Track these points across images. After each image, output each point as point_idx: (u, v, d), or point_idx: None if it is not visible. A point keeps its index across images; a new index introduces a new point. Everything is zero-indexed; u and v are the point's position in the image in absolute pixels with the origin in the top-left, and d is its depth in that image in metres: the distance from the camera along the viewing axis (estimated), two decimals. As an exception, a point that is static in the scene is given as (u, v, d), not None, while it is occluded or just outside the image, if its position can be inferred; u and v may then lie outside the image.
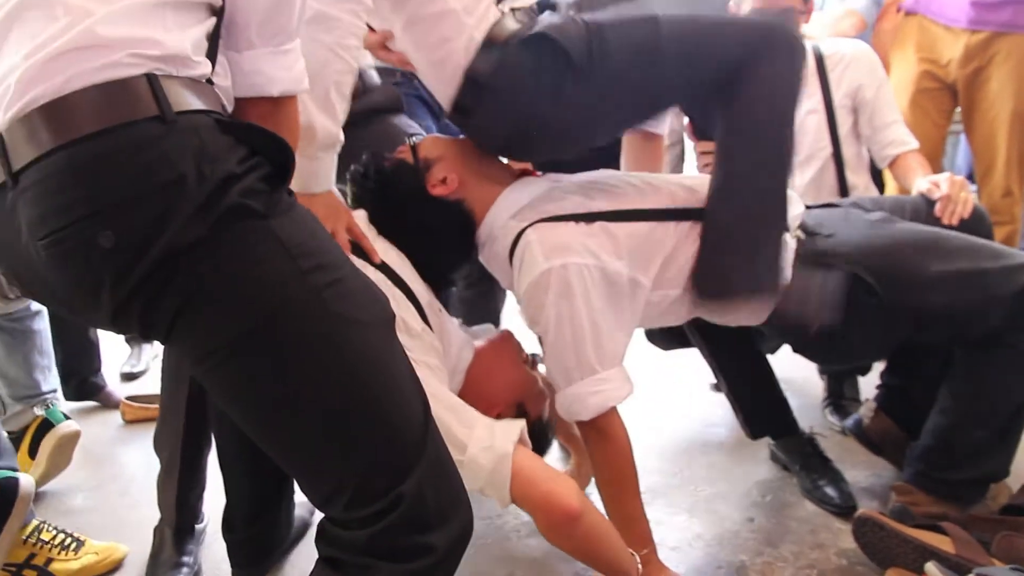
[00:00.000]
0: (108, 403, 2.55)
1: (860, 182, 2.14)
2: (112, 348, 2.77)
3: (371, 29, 1.48)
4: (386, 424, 0.92)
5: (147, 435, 2.30)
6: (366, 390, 0.91)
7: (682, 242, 1.48)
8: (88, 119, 0.78)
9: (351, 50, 1.28)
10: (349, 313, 0.90)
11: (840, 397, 2.23)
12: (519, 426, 1.27)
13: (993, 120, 2.43)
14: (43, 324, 2.06)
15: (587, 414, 1.41)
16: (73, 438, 2.00)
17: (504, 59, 1.37)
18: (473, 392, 1.44)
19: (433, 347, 1.35)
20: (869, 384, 2.13)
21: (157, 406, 2.37)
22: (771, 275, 1.49)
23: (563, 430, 1.79)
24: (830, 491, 1.79)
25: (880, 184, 2.32)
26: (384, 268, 1.35)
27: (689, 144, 3.31)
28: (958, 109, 2.54)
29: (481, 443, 1.21)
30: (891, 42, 2.68)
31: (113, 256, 0.80)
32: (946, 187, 1.75)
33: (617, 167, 1.91)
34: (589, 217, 1.43)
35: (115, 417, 2.49)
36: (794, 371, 2.19)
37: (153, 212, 0.80)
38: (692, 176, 1.72)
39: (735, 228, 1.47)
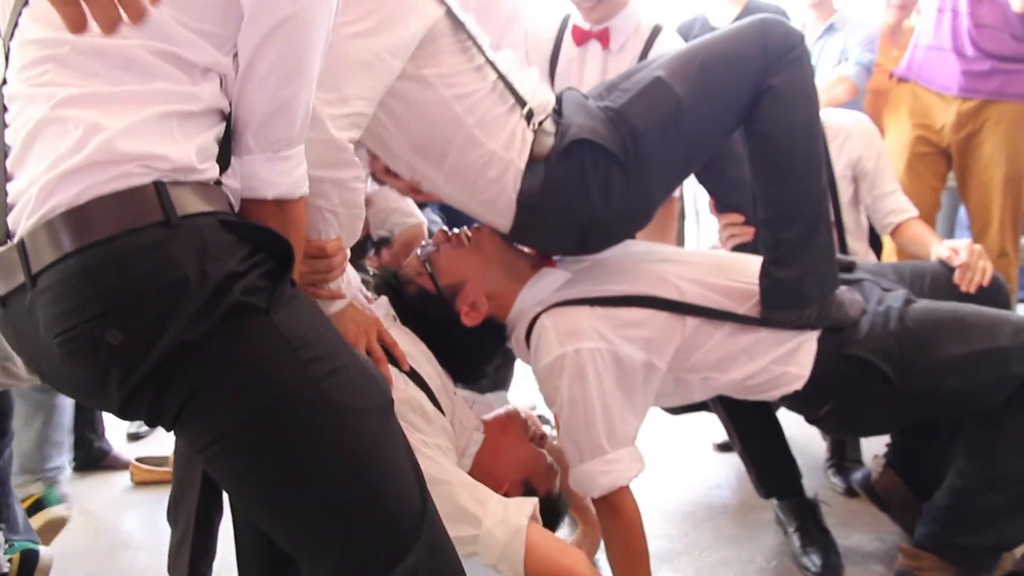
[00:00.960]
0: (115, 465, 2.56)
1: (860, 248, 2.20)
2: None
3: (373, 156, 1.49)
4: (383, 509, 0.95)
5: (154, 497, 2.33)
6: (364, 477, 0.94)
7: (695, 335, 1.51)
8: (100, 226, 0.84)
9: (359, 197, 1.30)
10: (347, 402, 0.93)
11: (843, 459, 2.25)
12: (532, 502, 1.30)
13: (987, 183, 2.50)
14: (66, 400, 2.08)
15: (598, 492, 1.45)
16: (61, 523, 2.00)
17: (550, 175, 1.41)
18: (480, 471, 1.47)
19: (444, 429, 1.39)
20: (874, 444, 2.15)
21: (166, 468, 2.42)
22: (834, 272, 1.53)
23: (574, 500, 1.81)
24: (815, 558, 1.80)
25: (878, 249, 2.38)
26: (393, 360, 1.38)
27: (688, 202, 3.40)
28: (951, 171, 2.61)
29: (496, 517, 1.24)
30: (883, 106, 2.76)
31: (120, 353, 0.85)
32: (965, 255, 1.78)
33: None
34: (602, 301, 1.47)
35: (122, 478, 2.50)
36: (797, 431, 2.21)
37: (158, 311, 0.85)
38: (704, 256, 1.72)
39: (793, 240, 1.49)
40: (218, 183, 0.94)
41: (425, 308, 1.52)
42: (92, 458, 2.54)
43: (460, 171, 1.42)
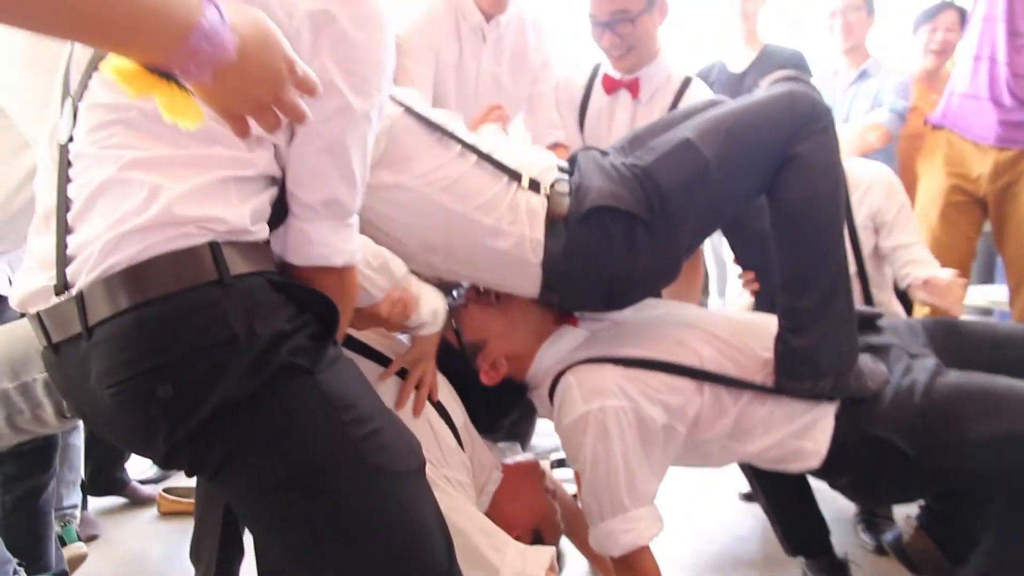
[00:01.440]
0: (135, 498, 2.59)
1: (885, 298, 2.17)
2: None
3: None
4: (412, 569, 0.98)
5: (182, 527, 2.35)
6: (395, 539, 0.97)
7: (713, 403, 1.50)
8: (157, 284, 0.87)
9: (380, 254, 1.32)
10: (383, 464, 0.96)
11: (873, 514, 2.20)
12: (549, 552, 1.30)
13: (1024, 235, 2.45)
14: (79, 440, 2.12)
15: (618, 551, 1.44)
16: (80, 559, 2.03)
17: (572, 239, 1.43)
18: (496, 512, 1.48)
19: (464, 464, 1.41)
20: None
21: (193, 500, 2.45)
22: (853, 345, 1.51)
23: (593, 554, 1.80)
24: None
25: (906, 299, 2.34)
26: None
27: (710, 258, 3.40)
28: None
29: (513, 567, 1.25)
30: (918, 151, 2.73)
31: (171, 406, 0.88)
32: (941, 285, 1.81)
33: None
34: (626, 362, 1.47)
35: (149, 509, 2.53)
36: (824, 485, 2.17)
37: (209, 368, 0.88)
38: (725, 320, 1.70)
39: (809, 309, 1.48)
40: (267, 242, 0.97)
41: (446, 360, 1.53)
42: (108, 487, 2.57)
43: (474, 257, 1.45)
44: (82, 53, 0.97)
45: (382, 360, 1.43)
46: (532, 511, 1.54)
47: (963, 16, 2.86)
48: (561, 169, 1.54)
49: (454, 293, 1.64)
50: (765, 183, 1.49)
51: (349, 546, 0.95)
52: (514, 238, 1.43)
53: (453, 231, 1.42)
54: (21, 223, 1.56)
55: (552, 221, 1.43)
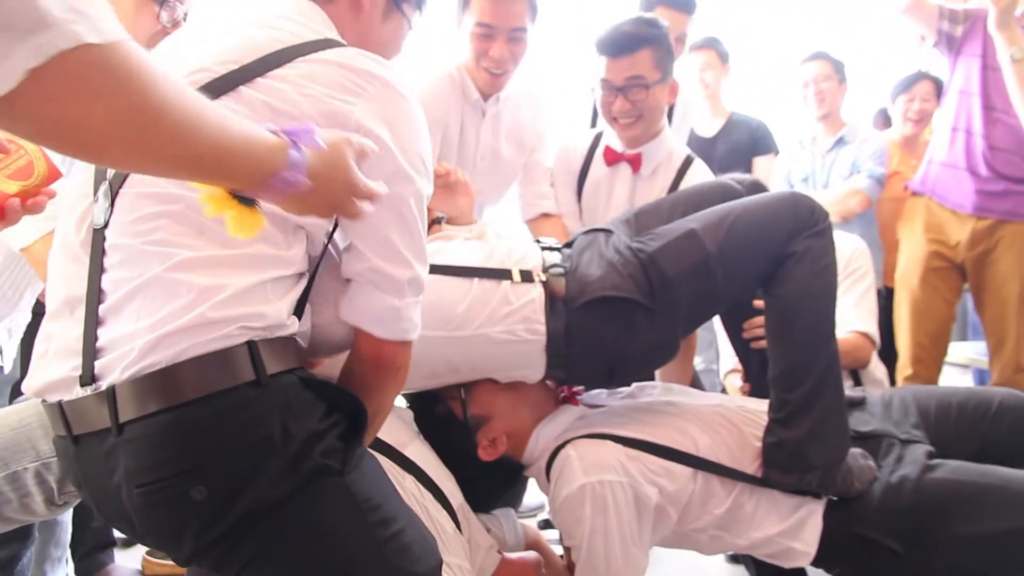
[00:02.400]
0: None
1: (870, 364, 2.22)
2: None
3: None
4: None
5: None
6: None
7: (705, 490, 1.52)
8: (195, 386, 0.87)
9: None
10: (406, 566, 0.98)
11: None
12: None
13: (1003, 300, 2.52)
14: (67, 516, 2.09)
15: None
16: None
17: (572, 324, 1.47)
18: None
19: (464, 549, 1.41)
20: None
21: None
22: (843, 441, 1.53)
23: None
24: None
25: (891, 361, 2.39)
26: (420, 475, 1.40)
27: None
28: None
29: None
30: (897, 214, 2.81)
31: (204, 508, 0.88)
32: None
33: None
34: (626, 441, 1.50)
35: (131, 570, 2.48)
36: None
37: (243, 469, 0.88)
38: (723, 408, 1.71)
39: (798, 403, 1.52)
40: (294, 336, 0.99)
41: (448, 430, 1.55)
42: (87, 568, 2.51)
43: (478, 364, 1.50)
44: None
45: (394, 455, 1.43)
46: None
47: (938, 86, 2.97)
48: (546, 246, 1.59)
49: None
50: (763, 277, 1.55)
51: None
52: (513, 336, 1.47)
53: (456, 352, 1.47)
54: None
55: (552, 302, 1.47)
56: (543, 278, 1.51)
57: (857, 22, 4.75)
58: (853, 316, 2.15)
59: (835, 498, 1.52)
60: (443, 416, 1.57)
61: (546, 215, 2.17)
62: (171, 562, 2.37)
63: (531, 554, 1.65)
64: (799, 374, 1.52)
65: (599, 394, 1.71)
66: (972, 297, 2.64)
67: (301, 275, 1.01)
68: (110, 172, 0.96)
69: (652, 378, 1.89)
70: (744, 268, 1.53)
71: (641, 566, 1.48)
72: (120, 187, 0.94)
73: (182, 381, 0.87)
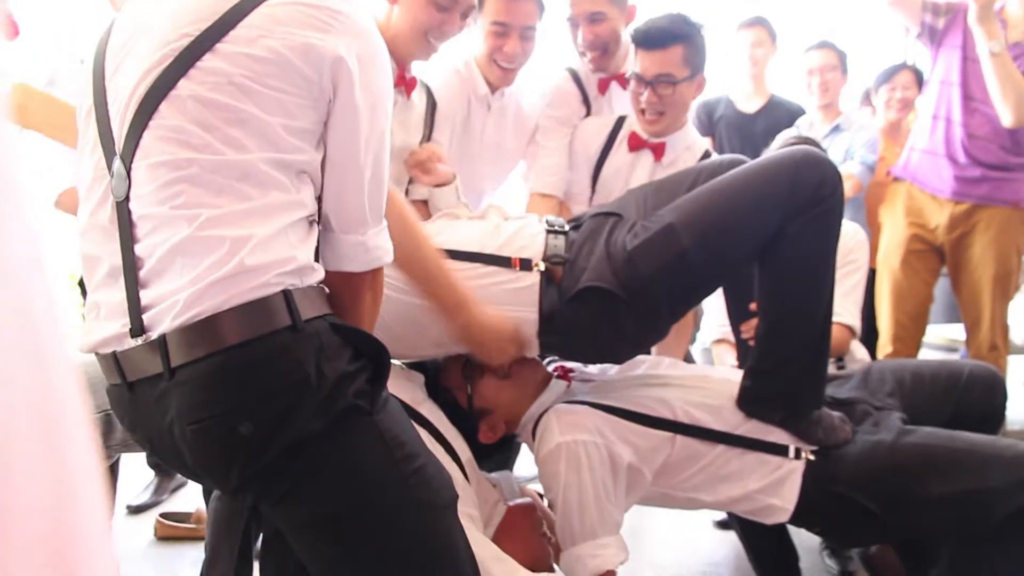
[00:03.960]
0: None
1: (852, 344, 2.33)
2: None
3: None
4: None
5: (177, 551, 2.42)
6: (436, 564, 1.10)
7: (683, 452, 1.61)
8: (238, 331, 0.97)
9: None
10: (428, 498, 1.09)
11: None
12: None
13: (978, 281, 2.64)
14: None
15: (587, 575, 1.56)
16: None
17: (563, 315, 1.55)
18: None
19: (472, 499, 1.52)
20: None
21: (189, 525, 2.51)
22: (815, 399, 1.63)
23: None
24: None
25: (871, 342, 2.51)
26: (432, 430, 1.52)
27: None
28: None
29: None
30: (881, 199, 2.93)
31: (250, 442, 0.98)
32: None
33: None
34: (604, 408, 1.61)
35: (144, 536, 2.59)
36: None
37: (284, 407, 0.98)
38: (704, 379, 1.79)
39: (778, 364, 1.61)
40: (320, 283, 1.08)
41: (450, 414, 1.65)
42: None
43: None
44: (120, 112, 1.04)
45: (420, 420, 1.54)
46: (528, 552, 1.63)
47: (918, 75, 3.08)
48: (553, 229, 1.65)
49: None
50: (750, 259, 1.58)
51: (395, 572, 1.07)
52: (512, 315, 1.56)
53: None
54: None
55: (546, 288, 1.55)
56: (541, 268, 1.57)
57: (848, 11, 4.84)
58: (839, 307, 2.25)
59: (812, 458, 1.60)
60: (447, 403, 1.67)
61: (543, 195, 2.27)
62: (184, 524, 2.51)
63: (526, 499, 1.77)
64: (781, 337, 1.60)
65: (590, 368, 1.81)
66: (950, 279, 2.76)
67: (312, 221, 1.09)
68: (119, 147, 1.03)
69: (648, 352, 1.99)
70: (729, 254, 1.56)
71: (614, 521, 1.58)
72: (132, 160, 1.01)
73: (226, 328, 0.96)
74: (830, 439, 1.61)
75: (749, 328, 1.89)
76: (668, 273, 1.53)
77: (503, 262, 1.59)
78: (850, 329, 2.30)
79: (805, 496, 1.60)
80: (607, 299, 1.53)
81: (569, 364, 1.83)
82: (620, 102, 2.31)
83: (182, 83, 1.00)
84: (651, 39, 2.04)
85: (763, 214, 1.51)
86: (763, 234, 1.52)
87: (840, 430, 1.62)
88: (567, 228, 1.69)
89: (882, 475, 1.56)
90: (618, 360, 1.72)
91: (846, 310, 2.28)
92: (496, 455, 1.87)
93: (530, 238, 1.64)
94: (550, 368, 1.82)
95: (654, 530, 2.45)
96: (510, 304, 1.57)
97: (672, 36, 2.03)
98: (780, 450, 1.62)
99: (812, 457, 1.61)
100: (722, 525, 2.56)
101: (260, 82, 1.00)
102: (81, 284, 1.61)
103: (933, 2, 2.63)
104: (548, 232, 1.65)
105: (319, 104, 1.04)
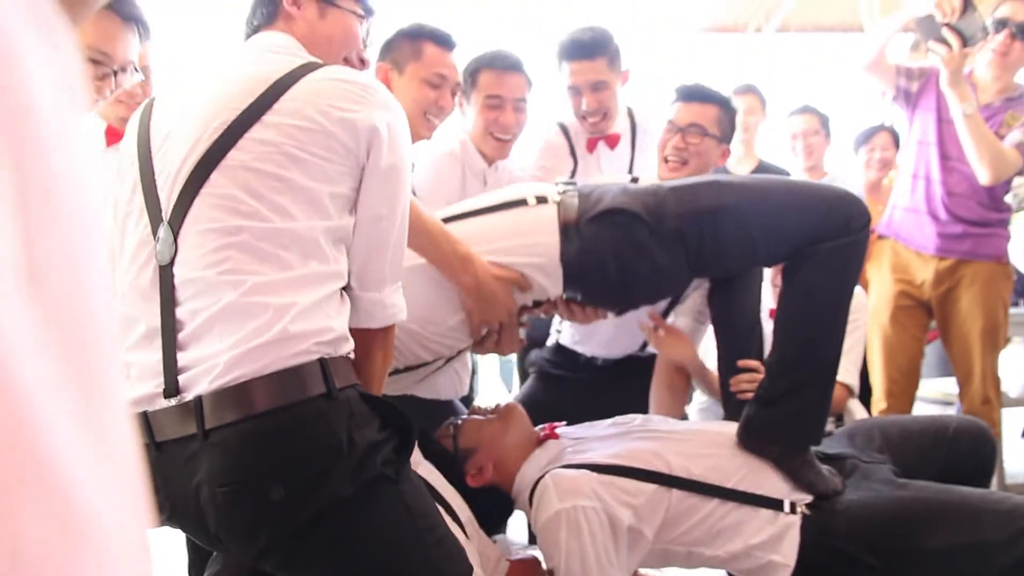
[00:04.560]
0: None
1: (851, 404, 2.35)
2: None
3: None
4: None
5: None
6: None
7: (680, 507, 1.61)
8: (275, 397, 1.00)
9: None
10: (447, 568, 1.11)
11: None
12: None
13: (967, 335, 2.67)
14: None
15: None
16: None
17: (583, 239, 1.59)
18: None
19: (476, 557, 1.51)
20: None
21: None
22: (814, 434, 1.67)
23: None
24: None
25: (866, 397, 2.52)
26: (432, 492, 1.52)
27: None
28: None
29: None
30: (866, 260, 2.98)
31: (279, 507, 0.99)
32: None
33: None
34: (600, 468, 1.61)
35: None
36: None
37: (316, 473, 1.00)
38: (699, 433, 1.81)
39: (784, 393, 1.63)
40: (349, 354, 1.12)
41: (441, 467, 1.65)
42: None
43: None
44: (169, 181, 1.09)
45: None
46: None
47: (895, 136, 3.18)
48: (563, 183, 1.72)
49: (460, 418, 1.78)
50: (770, 258, 1.65)
51: None
52: (536, 250, 1.60)
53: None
54: None
55: (565, 227, 1.59)
56: (557, 198, 1.62)
57: (827, 77, 5.01)
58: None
59: (808, 512, 1.61)
60: (437, 453, 1.68)
61: None
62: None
63: (529, 553, 1.76)
64: (791, 366, 1.63)
65: (577, 429, 1.81)
66: (940, 334, 2.80)
67: (344, 292, 1.15)
68: (166, 214, 1.08)
69: (665, 314, 2.03)
70: (759, 237, 1.59)
71: None
72: (180, 227, 1.06)
73: (264, 392, 0.99)
74: (819, 485, 1.63)
75: (738, 382, 1.92)
76: (697, 220, 1.57)
77: (518, 203, 1.64)
78: (848, 388, 2.33)
79: (804, 552, 1.59)
80: (627, 220, 1.57)
81: (556, 425, 1.83)
82: (607, 162, 2.39)
83: (232, 153, 1.06)
84: (692, 93, 2.15)
85: (799, 221, 1.60)
86: (793, 239, 1.59)
87: (830, 480, 1.64)
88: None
89: (879, 528, 1.56)
90: (635, 301, 1.73)
91: (844, 369, 2.29)
92: (493, 520, 1.86)
93: (541, 186, 1.71)
94: (537, 429, 1.82)
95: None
96: (528, 235, 1.60)
97: (711, 96, 2.16)
98: (775, 504, 1.62)
99: (807, 511, 1.61)
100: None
101: (306, 150, 1.07)
102: None
103: (907, 67, 2.73)
104: (558, 184, 1.73)
105: (355, 171, 1.12)
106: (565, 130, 2.40)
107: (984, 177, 2.52)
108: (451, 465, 1.66)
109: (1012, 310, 2.90)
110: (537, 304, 1.70)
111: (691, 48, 5.71)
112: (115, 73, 1.52)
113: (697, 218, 1.58)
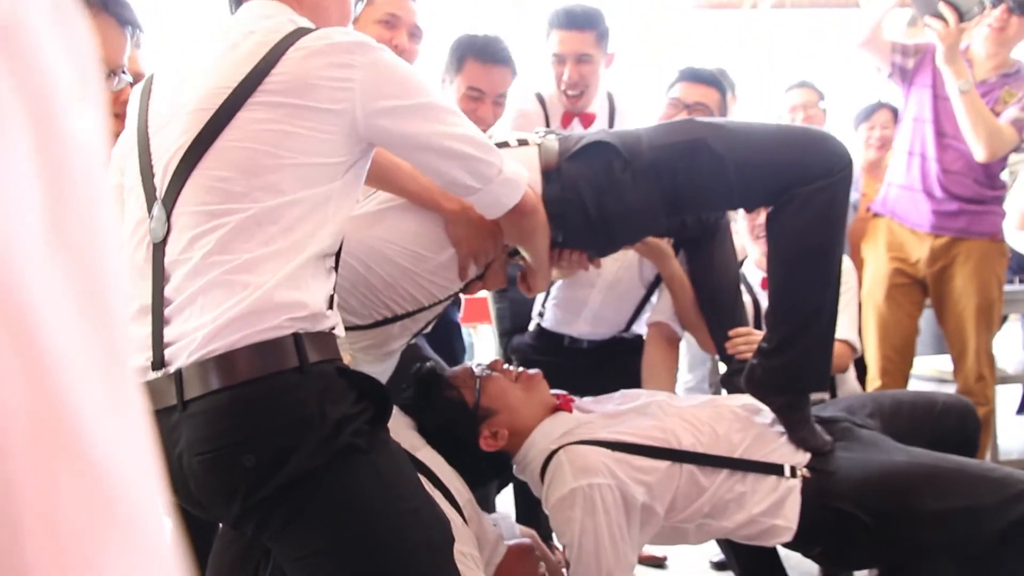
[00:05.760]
0: None
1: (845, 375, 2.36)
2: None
3: None
4: None
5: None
6: None
7: (691, 481, 1.62)
8: (249, 369, 1.02)
9: None
10: (422, 538, 1.12)
11: (836, 580, 2.34)
12: None
13: (961, 313, 2.68)
14: None
15: None
16: None
17: (561, 174, 1.57)
18: None
19: (473, 540, 1.52)
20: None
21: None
22: (817, 379, 1.68)
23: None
24: None
25: (861, 371, 2.53)
26: (430, 475, 1.53)
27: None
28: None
29: None
30: (860, 236, 2.98)
31: (252, 474, 1.03)
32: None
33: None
34: (613, 445, 1.61)
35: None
36: (790, 552, 2.30)
37: (286, 443, 1.03)
38: (701, 406, 1.81)
39: (783, 340, 1.64)
40: (332, 329, 1.13)
41: (453, 416, 1.64)
42: None
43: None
44: (163, 161, 1.12)
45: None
46: None
47: (895, 113, 3.15)
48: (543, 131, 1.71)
49: (478, 364, 1.77)
50: (747, 198, 1.65)
51: None
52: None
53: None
54: None
55: (547, 170, 1.56)
56: (539, 141, 1.61)
57: (823, 49, 4.98)
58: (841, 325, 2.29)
59: (807, 475, 1.63)
60: (452, 400, 1.66)
61: None
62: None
63: (525, 540, 1.76)
64: (785, 313, 1.64)
65: (587, 402, 1.81)
66: (935, 312, 2.80)
67: (331, 268, 1.16)
68: (160, 192, 1.11)
69: (650, 292, 2.05)
70: (736, 174, 1.56)
71: (629, 563, 1.58)
72: (173, 206, 1.09)
73: (238, 364, 1.02)
74: (811, 441, 1.65)
75: (735, 345, 1.94)
76: (672, 152, 1.56)
77: (500, 146, 1.57)
78: (848, 344, 2.31)
79: (805, 514, 1.61)
80: (602, 152, 1.56)
81: (571, 397, 1.82)
82: None
83: (225, 133, 1.08)
84: (699, 75, 2.18)
85: (776, 160, 1.58)
86: (770, 178, 1.58)
87: (820, 437, 1.67)
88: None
89: (876, 489, 1.59)
90: (613, 242, 1.71)
91: (842, 325, 2.30)
92: (485, 482, 1.85)
93: (522, 133, 1.69)
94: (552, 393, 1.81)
95: (652, 574, 2.44)
96: None
97: (716, 81, 2.19)
98: (776, 470, 1.64)
99: (807, 474, 1.64)
100: (719, 566, 2.55)
101: (297, 125, 1.08)
102: None
103: (902, 44, 2.72)
104: (537, 131, 1.71)
105: (352, 133, 1.12)
106: (541, 100, 2.40)
107: (980, 154, 2.51)
108: (463, 415, 1.65)
109: (1007, 287, 2.91)
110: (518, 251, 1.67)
111: (688, 34, 5.68)
112: (108, 76, 1.51)
113: (672, 150, 1.57)
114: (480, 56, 2.08)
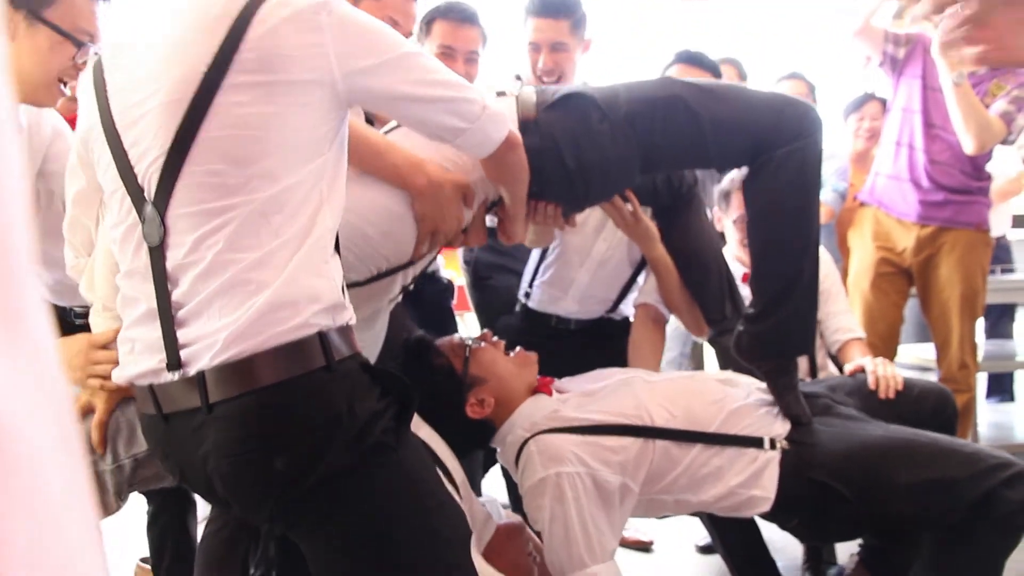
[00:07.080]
0: None
1: (821, 362, 2.38)
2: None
3: None
4: None
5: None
6: None
7: (664, 457, 1.64)
8: (276, 372, 1.00)
9: None
10: (447, 534, 1.13)
11: (819, 561, 2.37)
12: None
13: (945, 301, 2.71)
14: None
15: None
16: None
17: (539, 125, 1.54)
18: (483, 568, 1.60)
19: (468, 520, 1.53)
20: (850, 544, 2.26)
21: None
22: (802, 344, 1.70)
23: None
24: None
25: (839, 364, 2.56)
26: (430, 452, 1.53)
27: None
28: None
29: None
30: (847, 226, 3.01)
31: (283, 475, 1.02)
32: (871, 367, 1.96)
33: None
34: (583, 430, 1.63)
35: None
36: (776, 534, 2.33)
37: (317, 443, 1.02)
38: (679, 381, 1.84)
39: (767, 306, 1.66)
40: (349, 321, 1.10)
41: (441, 382, 1.65)
42: None
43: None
44: (144, 159, 1.05)
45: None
46: (517, 570, 1.65)
47: (885, 105, 3.18)
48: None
49: (468, 338, 1.77)
50: (722, 157, 1.66)
51: None
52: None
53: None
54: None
55: (524, 123, 1.52)
56: (517, 93, 1.58)
57: (814, 43, 5.00)
58: (845, 323, 2.31)
59: (787, 447, 1.65)
60: (440, 367, 1.67)
61: None
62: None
63: (516, 518, 1.79)
64: (767, 278, 1.67)
65: (565, 382, 1.82)
66: (919, 300, 2.84)
67: (334, 244, 1.12)
68: (149, 194, 1.05)
69: (636, 272, 2.09)
70: (707, 131, 1.56)
71: (605, 549, 1.59)
72: (167, 208, 1.04)
73: (264, 367, 1.00)
74: (795, 407, 1.68)
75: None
76: (649, 106, 1.56)
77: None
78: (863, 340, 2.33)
79: (783, 485, 1.63)
80: (579, 103, 1.56)
81: (551, 380, 1.83)
82: None
83: (206, 123, 1.01)
84: (695, 58, 2.22)
85: (750, 120, 1.60)
86: (744, 138, 1.59)
87: (803, 406, 1.69)
88: None
89: (854, 461, 1.61)
90: (589, 195, 1.68)
91: (853, 325, 2.33)
92: (465, 451, 1.85)
93: (500, 84, 1.70)
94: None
95: (638, 557, 2.46)
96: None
97: (712, 66, 2.24)
98: (755, 442, 1.65)
99: (787, 446, 1.66)
100: (704, 550, 2.58)
101: (279, 102, 1.03)
102: None
103: (894, 33, 2.74)
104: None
105: (335, 98, 1.08)
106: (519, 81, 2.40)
107: (969, 146, 2.54)
108: (451, 381, 1.66)
109: (1001, 277, 2.95)
110: (496, 203, 1.62)
111: (682, 26, 5.69)
112: (82, 46, 1.48)
113: (649, 104, 1.57)
114: (447, 15, 2.13)
